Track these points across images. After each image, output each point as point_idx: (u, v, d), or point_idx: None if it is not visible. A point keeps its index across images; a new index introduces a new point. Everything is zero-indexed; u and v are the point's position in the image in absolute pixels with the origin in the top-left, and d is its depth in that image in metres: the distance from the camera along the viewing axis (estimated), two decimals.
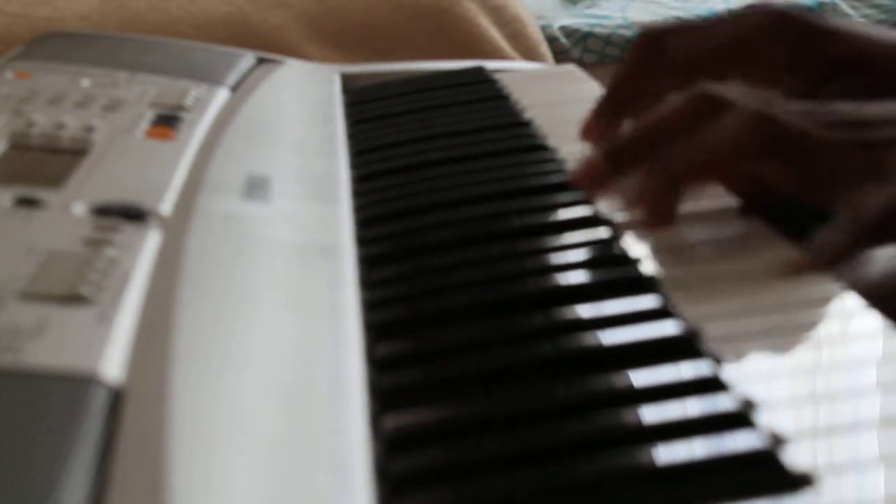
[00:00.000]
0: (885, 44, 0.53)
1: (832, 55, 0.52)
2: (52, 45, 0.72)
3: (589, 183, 0.47)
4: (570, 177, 0.47)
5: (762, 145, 0.44)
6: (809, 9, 2.20)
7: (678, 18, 2.07)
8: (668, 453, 0.31)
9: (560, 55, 1.92)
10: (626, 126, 0.56)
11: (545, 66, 0.95)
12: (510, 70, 0.79)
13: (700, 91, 0.46)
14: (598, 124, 0.57)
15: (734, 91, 0.46)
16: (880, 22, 2.07)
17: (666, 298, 0.40)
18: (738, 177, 0.47)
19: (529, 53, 1.03)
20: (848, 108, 0.45)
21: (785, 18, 0.53)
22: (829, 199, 0.43)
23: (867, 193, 0.42)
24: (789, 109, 0.45)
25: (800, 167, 0.44)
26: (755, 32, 0.53)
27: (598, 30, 2.04)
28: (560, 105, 0.67)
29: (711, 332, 0.38)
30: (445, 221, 0.49)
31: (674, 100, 0.47)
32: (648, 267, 0.43)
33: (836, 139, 0.43)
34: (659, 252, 0.45)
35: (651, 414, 0.33)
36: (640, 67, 0.56)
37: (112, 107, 0.58)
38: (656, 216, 0.45)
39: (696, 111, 0.45)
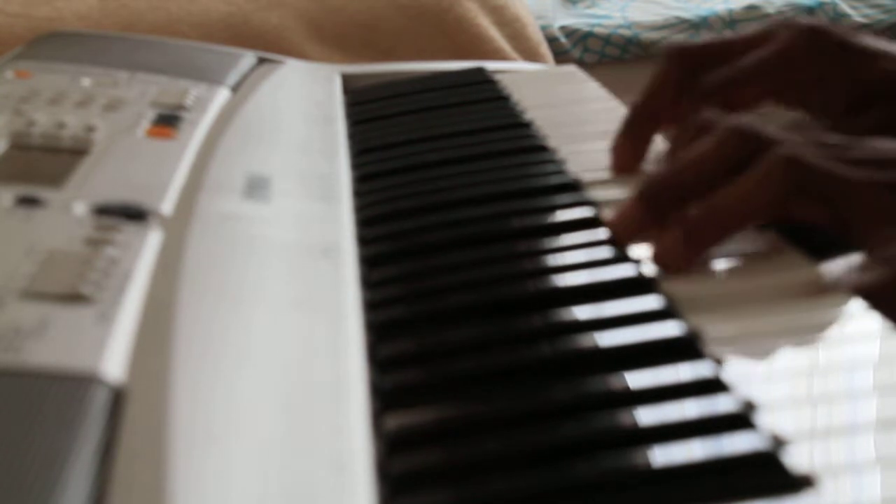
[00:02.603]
0: None
1: (865, 75, 0.52)
2: (52, 45, 0.72)
3: (628, 232, 0.45)
4: (607, 227, 0.45)
5: (791, 192, 0.43)
6: (810, 10, 2.20)
7: (679, 18, 2.07)
8: (669, 454, 0.31)
9: (560, 55, 1.92)
10: (658, 154, 0.55)
11: (546, 66, 0.94)
12: (510, 71, 0.79)
13: (733, 128, 0.45)
14: (627, 142, 0.56)
15: (768, 128, 0.45)
16: (880, 22, 2.07)
17: (667, 300, 0.40)
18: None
19: (529, 53, 1.03)
20: (879, 146, 0.45)
21: (818, 34, 0.53)
22: (859, 237, 0.43)
23: None
24: (819, 146, 0.44)
25: (830, 207, 0.43)
26: (788, 50, 0.53)
27: (598, 30, 2.04)
28: (560, 106, 0.67)
29: (712, 333, 0.38)
30: (446, 222, 0.49)
31: (708, 139, 0.46)
32: (649, 268, 0.43)
33: (866, 179, 0.43)
34: None
35: (652, 415, 0.33)
36: (669, 86, 0.55)
37: (112, 106, 0.58)
38: (677, 270, 0.44)
39: (732, 151, 0.45)
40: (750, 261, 0.44)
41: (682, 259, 0.43)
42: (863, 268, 0.42)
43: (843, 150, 0.44)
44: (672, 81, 0.55)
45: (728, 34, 0.57)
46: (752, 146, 0.44)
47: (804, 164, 0.43)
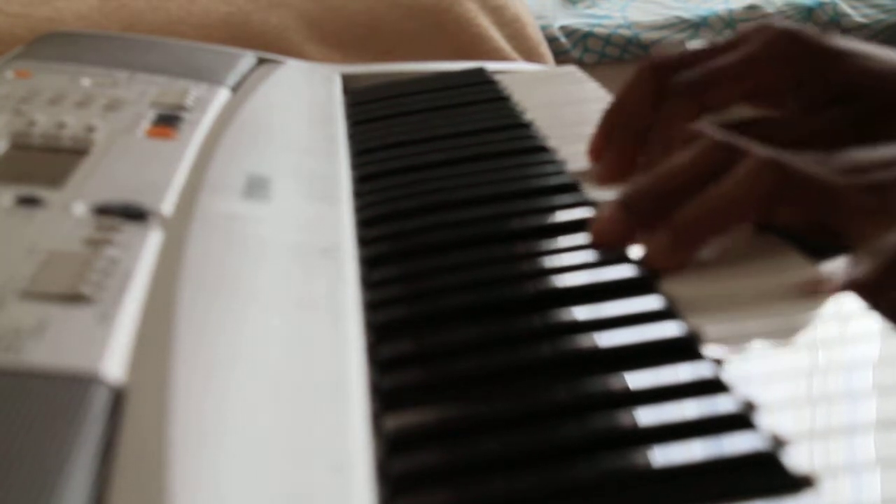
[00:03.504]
0: (893, 67, 0.52)
1: (839, 77, 0.52)
2: (52, 45, 0.72)
3: (609, 239, 0.45)
4: (591, 237, 0.46)
5: (774, 193, 0.44)
6: (810, 10, 2.19)
7: (679, 18, 2.07)
8: (669, 454, 0.31)
9: (560, 55, 1.92)
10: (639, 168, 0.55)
11: (546, 67, 0.94)
12: (511, 71, 0.79)
13: (713, 140, 0.46)
14: (604, 145, 0.56)
15: (746, 141, 0.46)
16: (880, 22, 2.07)
17: (667, 300, 0.40)
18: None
19: (529, 54, 1.03)
20: (858, 154, 0.45)
21: (794, 38, 0.53)
22: (843, 237, 0.43)
23: (888, 231, 0.41)
24: (800, 157, 0.45)
25: (812, 211, 0.44)
26: (763, 51, 0.53)
27: (598, 30, 2.04)
28: (560, 106, 0.67)
29: (712, 333, 0.38)
30: (446, 222, 0.49)
31: (687, 151, 0.46)
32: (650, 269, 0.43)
33: (847, 183, 0.43)
34: None
35: (652, 415, 0.33)
36: (644, 95, 0.55)
37: (112, 106, 0.58)
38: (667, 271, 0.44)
39: (710, 161, 0.45)
40: (750, 261, 0.44)
41: (671, 261, 0.44)
42: (853, 263, 0.42)
43: (823, 160, 0.45)
44: (642, 90, 0.55)
45: (710, 42, 0.57)
46: (731, 156, 0.45)
47: (785, 166, 0.44)
